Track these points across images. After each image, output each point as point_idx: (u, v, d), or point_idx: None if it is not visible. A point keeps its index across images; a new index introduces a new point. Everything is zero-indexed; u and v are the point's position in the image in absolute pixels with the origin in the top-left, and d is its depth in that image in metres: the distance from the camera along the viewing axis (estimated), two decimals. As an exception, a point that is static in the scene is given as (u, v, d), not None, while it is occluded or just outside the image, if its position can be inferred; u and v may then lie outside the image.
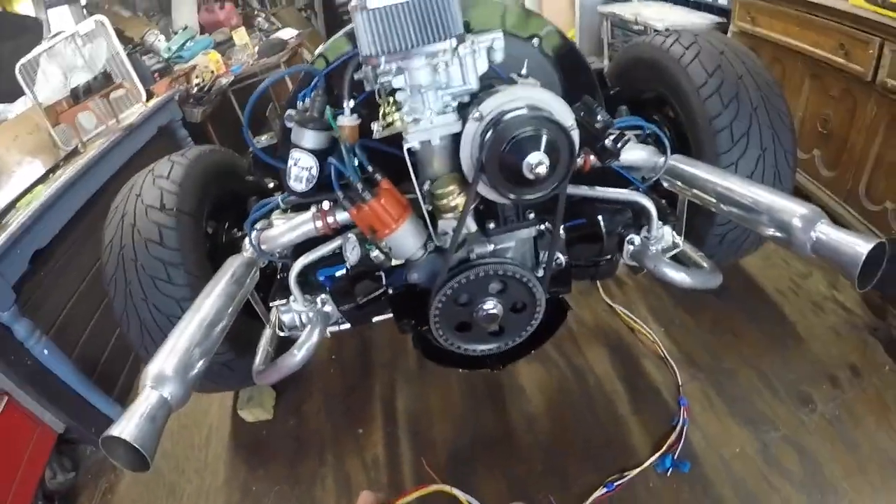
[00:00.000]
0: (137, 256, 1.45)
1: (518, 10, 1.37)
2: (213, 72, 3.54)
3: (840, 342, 1.75)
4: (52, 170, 2.47)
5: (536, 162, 0.92)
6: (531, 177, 0.92)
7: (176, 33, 3.93)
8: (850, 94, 2.02)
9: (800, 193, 2.10)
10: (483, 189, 1.00)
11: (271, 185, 1.73)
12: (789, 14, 2.24)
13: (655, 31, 3.10)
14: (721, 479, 1.45)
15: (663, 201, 1.41)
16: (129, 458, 0.82)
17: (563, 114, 0.98)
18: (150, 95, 2.96)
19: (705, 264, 1.40)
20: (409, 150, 0.99)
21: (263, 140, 1.49)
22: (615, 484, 1.48)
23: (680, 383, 1.71)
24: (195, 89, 3.38)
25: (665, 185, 1.40)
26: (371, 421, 1.87)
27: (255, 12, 4.66)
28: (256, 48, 3.99)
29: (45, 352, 1.94)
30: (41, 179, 2.39)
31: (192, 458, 1.95)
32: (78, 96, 2.65)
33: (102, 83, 2.68)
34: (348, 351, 2.19)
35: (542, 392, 1.82)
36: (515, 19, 1.35)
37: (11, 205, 2.18)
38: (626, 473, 1.49)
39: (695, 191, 1.30)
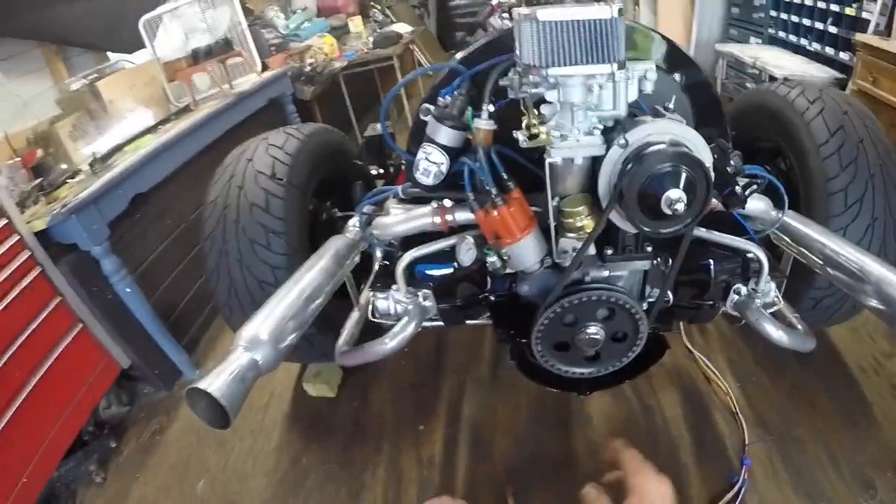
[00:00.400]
0: (241, 218, 1.50)
1: (667, 44, 1.36)
2: (326, 54, 3.66)
3: (913, 430, 1.65)
4: (162, 122, 2.62)
5: (676, 198, 0.90)
6: (668, 212, 0.91)
7: (294, 13, 4.09)
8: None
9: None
10: (614, 216, 0.99)
11: (375, 172, 1.77)
12: (914, 79, 2.14)
13: (772, 78, 3.02)
14: (771, 549, 1.39)
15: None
16: (210, 413, 0.84)
17: (704, 154, 0.96)
18: (264, 67, 3.09)
19: (800, 326, 1.35)
20: (549, 164, 0.99)
21: (378, 128, 1.52)
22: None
23: (746, 442, 1.65)
24: (308, 68, 3.49)
25: (772, 238, 1.37)
26: (434, 419, 1.87)
27: (372, 3, 4.79)
28: (370, 38, 4.11)
29: (128, 290, 2.05)
30: (150, 129, 2.54)
31: (249, 418, 2.00)
32: (196, 57, 2.79)
33: (221, 48, 2.81)
34: (424, 347, 2.20)
35: (609, 424, 1.79)
36: (663, 52, 1.34)
37: (119, 147, 2.31)
38: None
39: (802, 249, 1.26)
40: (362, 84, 4.34)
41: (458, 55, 1.33)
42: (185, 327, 2.39)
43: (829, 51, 3.18)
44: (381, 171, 1.79)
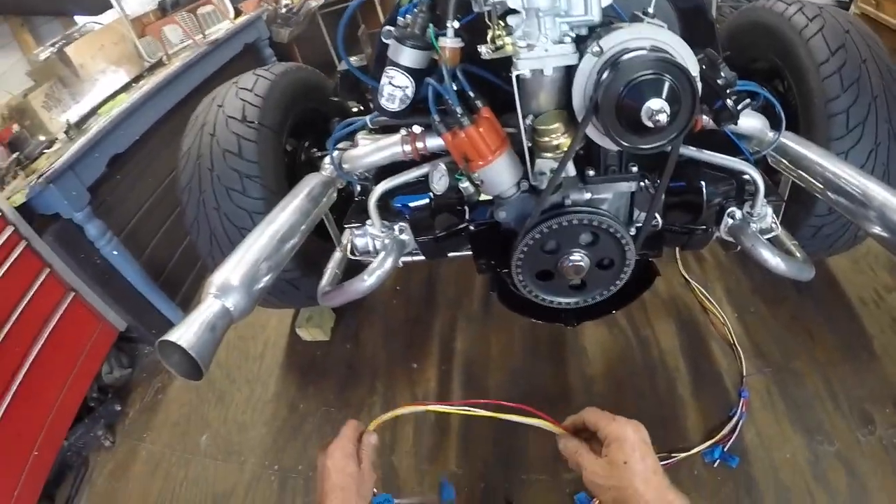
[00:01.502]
0: (214, 166, 1.45)
1: None
2: None
3: (915, 365, 1.62)
4: (136, 80, 2.54)
5: (658, 108, 0.83)
6: (649, 124, 0.84)
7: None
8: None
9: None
10: (592, 132, 0.92)
11: (355, 108, 1.70)
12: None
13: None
14: (766, 482, 1.39)
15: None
16: (183, 366, 0.82)
17: (690, 61, 0.88)
18: (237, 13, 2.97)
19: (798, 254, 1.30)
20: (517, 77, 0.91)
21: (354, 60, 1.44)
22: (661, 464, 1.44)
23: (744, 374, 1.63)
24: (284, 10, 3.37)
25: (769, 161, 1.30)
26: (427, 357, 1.87)
27: None
28: None
29: (115, 253, 2.03)
30: (124, 88, 2.47)
31: (245, 368, 2.02)
32: (165, 9, 2.69)
33: (190, -3, 2.69)
34: (414, 283, 2.18)
35: (604, 356, 1.77)
36: None
37: (93, 111, 2.26)
38: (673, 455, 1.45)
39: (801, 172, 1.20)
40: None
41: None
42: (177, 284, 2.38)
43: (834, -30, 2.98)
44: (361, 106, 1.71)
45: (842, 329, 1.75)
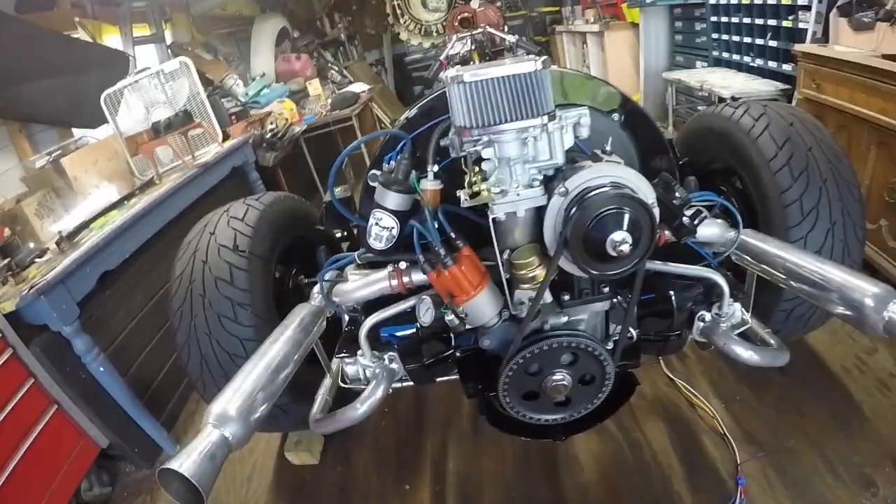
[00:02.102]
0: (206, 292, 1.49)
1: (601, 85, 1.40)
2: (287, 119, 3.72)
3: (906, 423, 1.66)
4: (128, 197, 2.61)
5: (620, 240, 0.92)
6: (614, 254, 0.93)
7: (254, 79, 4.17)
8: (921, 162, 1.96)
9: (866, 265, 2.04)
10: (564, 263, 1.01)
11: (339, 235, 1.78)
12: (855, 81, 2.21)
13: (721, 99, 3.10)
14: (777, 566, 1.36)
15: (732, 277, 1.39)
16: (183, 494, 0.83)
17: (646, 192, 0.98)
18: (226, 137, 3.12)
19: (772, 341, 1.35)
20: (493, 220, 1.00)
21: (339, 192, 1.54)
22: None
23: (738, 462, 1.64)
24: (269, 134, 3.54)
25: (734, 259, 1.38)
26: (419, 478, 1.84)
27: (329, 65, 4.89)
28: (329, 99, 4.19)
29: (101, 369, 2.01)
30: (116, 204, 2.53)
31: (233, 493, 1.95)
32: (158, 131, 2.81)
33: (182, 121, 2.84)
34: (402, 405, 2.18)
35: (597, 463, 1.76)
36: (598, 95, 1.38)
37: (85, 225, 2.30)
38: None
39: (764, 266, 1.28)
40: (324, 146, 4.35)
41: (399, 120, 1.36)
42: (162, 403, 2.33)
43: (772, 64, 3.29)
44: (346, 233, 1.80)
45: (829, 401, 1.79)
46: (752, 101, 1.65)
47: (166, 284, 1.81)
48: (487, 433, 1.89)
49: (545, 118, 0.97)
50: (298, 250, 1.77)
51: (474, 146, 1.01)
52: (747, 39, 3.48)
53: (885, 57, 2.10)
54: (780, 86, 3.12)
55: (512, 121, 0.96)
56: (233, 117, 3.51)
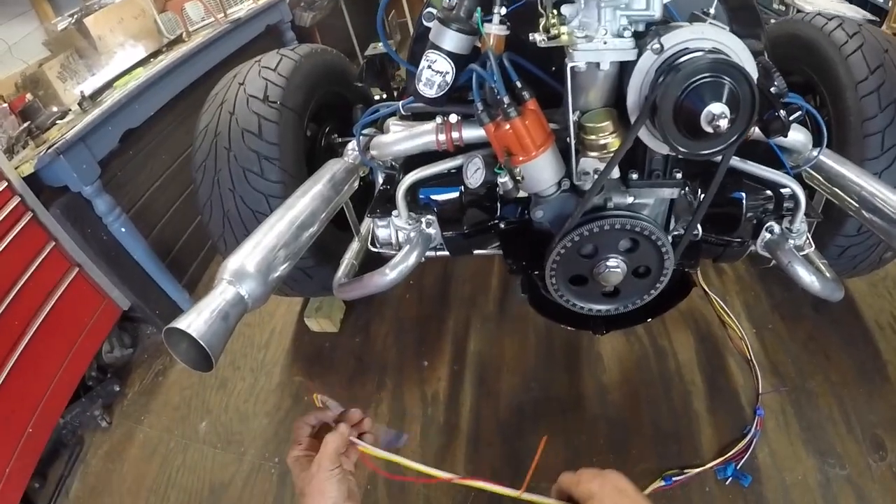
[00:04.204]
0: (232, 145, 1.41)
1: None
2: None
3: (927, 394, 1.61)
4: (154, 55, 2.48)
5: (719, 113, 0.78)
6: (708, 129, 0.79)
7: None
8: None
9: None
10: (643, 134, 0.88)
11: (378, 96, 1.65)
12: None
13: (802, 11, 2.82)
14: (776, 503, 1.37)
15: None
16: (192, 355, 0.78)
17: (750, 66, 0.83)
18: (261, -7, 2.91)
19: (829, 274, 1.25)
20: (571, 69, 0.86)
21: (379, 47, 1.39)
22: (673, 479, 1.42)
23: (760, 392, 1.60)
24: None
25: (804, 177, 1.27)
26: (439, 355, 1.83)
27: None
28: None
29: (123, 230, 1.98)
30: (141, 62, 2.41)
31: (250, 356, 1.97)
32: (188, -16, 2.61)
33: (214, -26, 2.63)
34: (428, 278, 2.13)
35: (620, 365, 1.73)
36: None
37: (109, 84, 2.20)
38: (686, 471, 1.43)
39: (837, 190, 1.18)
40: (367, 8, 4.06)
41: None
42: (184, 265, 2.33)
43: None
44: (384, 94, 1.66)
45: (857, 352, 1.73)
46: (847, 18, 1.48)
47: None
48: (512, 318, 1.90)
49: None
50: (334, 108, 1.66)
51: (559, -20, 0.85)
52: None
53: None
54: (868, 15, 2.82)
55: (610, -53, 0.79)
56: (270, -29, 3.27)
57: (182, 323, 0.74)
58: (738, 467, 1.42)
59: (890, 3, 2.43)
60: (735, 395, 1.62)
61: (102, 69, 2.38)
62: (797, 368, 1.69)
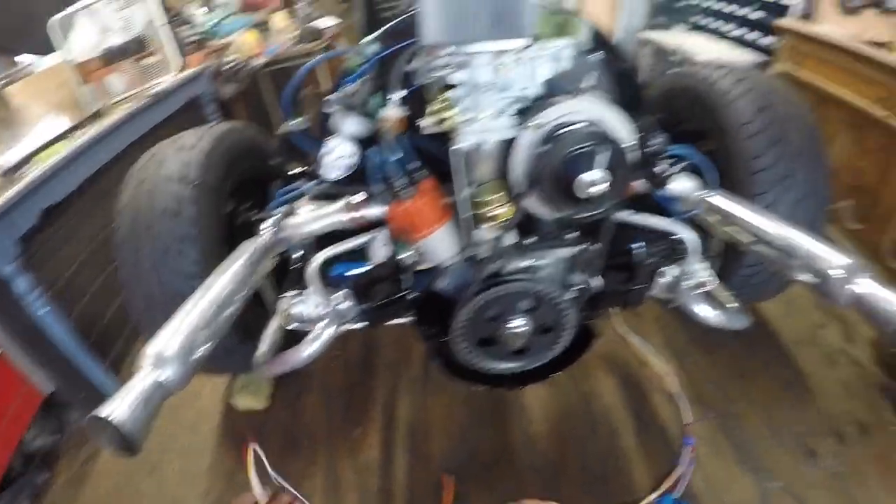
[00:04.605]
0: (152, 226, 1.39)
1: (584, 22, 1.33)
2: (248, 51, 3.51)
3: (850, 397, 1.72)
4: (75, 128, 2.44)
5: (592, 181, 0.87)
6: (584, 196, 0.87)
7: (216, 8, 3.90)
8: (888, 149, 1.98)
9: (826, 244, 2.09)
10: (530, 203, 0.95)
11: (296, 171, 1.68)
12: (835, 62, 2.21)
13: (696, 62, 3.06)
14: (719, 526, 1.40)
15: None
16: (116, 441, 0.77)
17: (624, 133, 0.93)
18: (182, 66, 2.93)
19: (732, 305, 1.35)
20: (457, 150, 0.94)
21: (293, 125, 1.44)
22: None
23: (685, 423, 1.67)
24: (228, 66, 3.35)
25: (699, 219, 1.35)
26: (369, 423, 1.81)
27: None
28: (294, 33, 3.97)
29: (44, 310, 1.89)
30: (62, 136, 2.37)
31: (179, 438, 1.89)
32: (110, 58, 2.62)
33: (136, 48, 2.66)
34: (352, 348, 2.13)
35: (546, 414, 1.76)
36: (581, 31, 1.31)
37: (28, 158, 2.15)
38: None
39: (731, 228, 1.25)
40: (286, 81, 4.09)
41: (366, 38, 1.26)
42: (109, 345, 2.23)
43: (752, 36, 3.25)
44: (302, 168, 1.70)
45: (779, 370, 1.83)
46: (732, 66, 1.61)
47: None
48: (438, 379, 1.90)
49: (525, 42, 0.90)
50: (253, 184, 1.66)
51: (443, 69, 0.93)
52: (730, 7, 3.44)
53: (868, 43, 2.09)
54: (758, 58, 3.09)
55: (489, 41, 0.87)
56: (191, 47, 3.29)
57: (104, 411, 0.75)
58: (675, 498, 1.45)
59: (777, 45, 2.68)
60: (663, 430, 1.67)
61: (23, 141, 2.33)
62: (722, 394, 1.76)
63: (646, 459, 1.59)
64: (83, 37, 2.72)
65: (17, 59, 2.93)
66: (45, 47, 2.79)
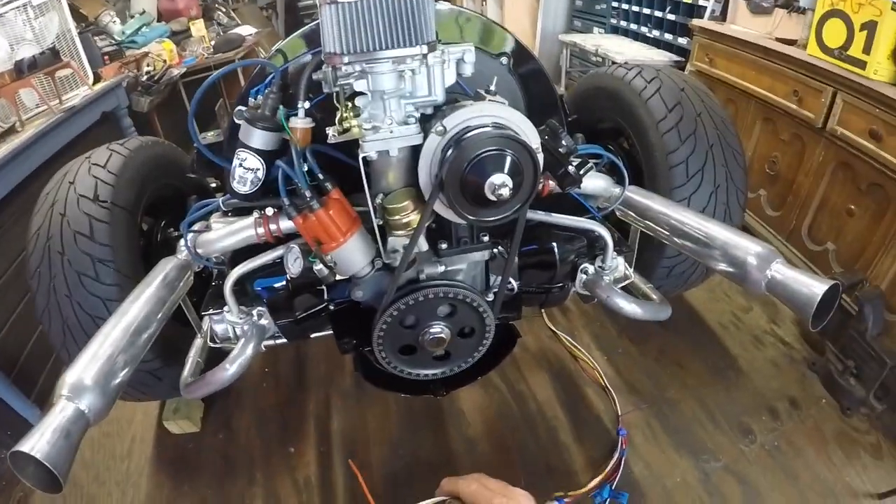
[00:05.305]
0: (65, 249, 1.33)
1: (490, 25, 1.35)
2: (165, 61, 3.40)
3: (780, 375, 1.82)
4: (-16, 146, 2.29)
5: (500, 183, 0.88)
6: (493, 198, 0.88)
7: (133, 17, 3.75)
8: (800, 138, 2.11)
9: (745, 231, 2.19)
10: (440, 208, 0.96)
11: (213, 185, 1.64)
12: (747, 59, 2.33)
13: (614, 63, 3.18)
14: (663, 508, 1.45)
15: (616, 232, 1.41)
16: (40, 477, 0.75)
17: (530, 135, 0.94)
18: (97, 79, 2.80)
19: (654, 296, 1.40)
20: (363, 159, 0.93)
21: (210, 136, 1.40)
22: (562, 504, 1.45)
23: (619, 413, 1.71)
24: (145, 77, 3.24)
25: (618, 214, 1.41)
26: (304, 439, 1.78)
27: (216, 5, 4.52)
28: (213, 42, 3.90)
29: (-41, 345, 1.77)
30: (-29, 154, 2.21)
31: (114, 469, 1.80)
32: (22, 70, 2.46)
33: (49, 60, 2.50)
34: (283, 364, 2.09)
35: (483, 416, 1.78)
36: (486, 35, 1.32)
37: (-65, 180, 2.00)
38: (569, 494, 1.46)
39: (648, 222, 1.30)
40: (208, 91, 3.98)
41: (274, 46, 1.24)
42: (33, 378, 2.10)
43: (669, 37, 3.40)
44: (220, 183, 1.66)
45: (708, 354, 1.91)
46: (646, 65, 1.67)
47: (29, 243, 1.61)
48: (371, 390, 1.84)
49: (425, 48, 0.90)
50: (169, 201, 1.61)
51: (347, 79, 0.92)
52: (646, 10, 3.58)
53: (778, 40, 2.22)
54: (675, 57, 3.24)
55: (388, 48, 0.87)
56: (106, 57, 3.16)
57: (25, 446, 0.72)
58: (612, 487, 1.48)
59: (692, 44, 2.80)
60: (599, 421, 1.71)
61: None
62: (654, 382, 1.83)
63: (585, 452, 1.62)
64: (-8, 49, 2.56)
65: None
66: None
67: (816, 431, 1.62)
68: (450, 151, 0.88)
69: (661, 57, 3.26)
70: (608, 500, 1.47)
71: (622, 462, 1.55)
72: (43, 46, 2.59)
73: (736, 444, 1.59)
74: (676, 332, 1.99)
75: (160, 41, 3.55)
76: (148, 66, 3.35)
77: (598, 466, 1.56)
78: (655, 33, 3.52)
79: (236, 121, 1.08)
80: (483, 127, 0.89)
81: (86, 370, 0.88)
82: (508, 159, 0.88)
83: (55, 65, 2.51)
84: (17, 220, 2.16)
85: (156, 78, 3.26)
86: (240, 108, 1.09)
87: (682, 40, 3.26)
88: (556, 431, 1.70)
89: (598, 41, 3.72)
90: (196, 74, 3.64)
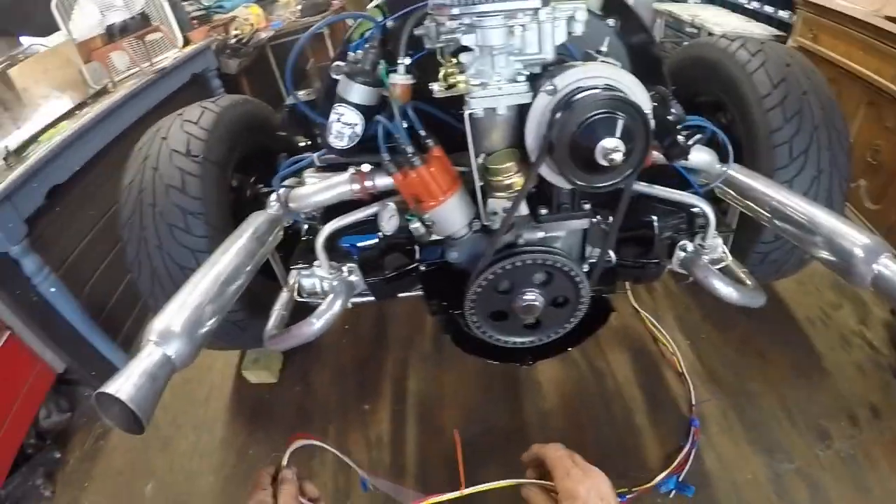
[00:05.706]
0: (156, 201, 1.39)
1: None
2: (252, 25, 3.46)
3: (864, 380, 1.70)
4: (79, 106, 2.41)
5: (612, 147, 0.82)
6: (604, 163, 0.83)
7: (220, -19, 3.84)
8: (907, 127, 1.92)
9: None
10: (544, 171, 0.91)
11: (302, 143, 1.66)
12: (854, 36, 2.15)
13: (712, 34, 3.00)
14: (729, 503, 1.40)
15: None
16: (123, 418, 0.77)
17: (643, 99, 0.89)
18: (186, 42, 2.90)
19: (749, 281, 1.32)
20: (469, 115, 0.90)
21: (301, 95, 1.41)
22: (626, 497, 1.42)
23: (693, 403, 1.65)
24: (233, 40, 3.30)
25: (717, 192, 1.33)
26: (379, 398, 1.80)
27: None
28: (299, 6, 3.92)
29: (53, 290, 1.89)
30: (67, 115, 2.33)
31: (191, 413, 1.90)
32: (113, 35, 2.59)
33: (139, 24, 2.62)
34: (364, 322, 2.12)
35: (559, 390, 1.75)
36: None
37: (33, 138, 2.12)
38: (633, 490, 1.43)
39: (749, 203, 1.23)
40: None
41: (371, 4, 1.22)
42: (119, 323, 2.24)
43: (769, 9, 3.16)
44: (309, 141, 1.67)
45: (792, 349, 1.81)
46: (749, 37, 1.57)
47: (121, 197, 1.69)
48: (450, 353, 1.88)
49: (538, 2, 0.85)
50: (258, 157, 1.65)
51: (453, 33, 0.89)
52: (747, -20, 3.34)
53: (888, 18, 2.02)
54: (775, 31, 3.01)
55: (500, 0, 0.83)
56: (194, 22, 3.25)
57: (111, 387, 0.74)
58: (680, 479, 1.44)
59: (794, 19, 2.61)
60: (676, 407, 1.66)
61: (28, 122, 2.31)
62: (734, 372, 1.75)
63: (659, 437, 1.58)
64: (85, 15, 2.68)
65: (19, 40, 2.90)
66: (47, 28, 2.75)
67: (895, 444, 1.51)
68: (560, 112, 0.84)
69: (760, 30, 3.06)
70: (674, 491, 1.43)
71: (691, 455, 1.50)
72: (133, 12, 2.70)
73: (812, 447, 1.51)
74: (762, 322, 1.88)
75: (247, 5, 3.62)
76: (236, 29, 3.41)
77: (670, 453, 1.52)
78: (755, 5, 3.29)
79: (334, 76, 1.07)
80: (595, 88, 0.84)
81: (174, 317, 0.90)
82: (621, 123, 0.83)
83: (145, 29, 2.61)
84: (109, 176, 2.27)
85: (244, 41, 3.33)
86: (338, 63, 1.08)
87: (783, 13, 3.03)
88: (632, 413, 1.66)
89: (694, 11, 3.54)
90: (283, 38, 3.68)
